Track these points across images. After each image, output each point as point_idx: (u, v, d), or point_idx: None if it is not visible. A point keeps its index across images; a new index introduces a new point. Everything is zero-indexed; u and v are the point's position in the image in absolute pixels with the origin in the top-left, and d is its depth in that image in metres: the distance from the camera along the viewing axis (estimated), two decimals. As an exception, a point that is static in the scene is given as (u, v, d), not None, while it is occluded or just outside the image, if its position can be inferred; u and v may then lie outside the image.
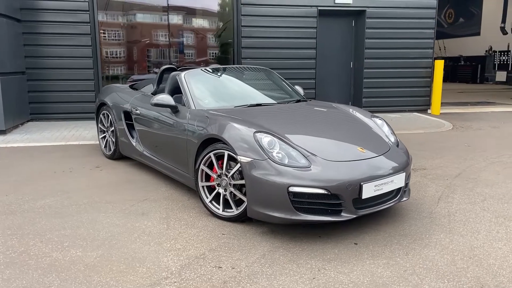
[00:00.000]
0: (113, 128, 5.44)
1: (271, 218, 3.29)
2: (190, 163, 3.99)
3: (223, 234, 3.41)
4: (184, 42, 9.43)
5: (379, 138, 3.92)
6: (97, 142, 6.57)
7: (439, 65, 9.68)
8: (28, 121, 8.35)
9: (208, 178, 3.80)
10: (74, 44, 8.32)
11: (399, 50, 9.70)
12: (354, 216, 3.27)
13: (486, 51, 22.69)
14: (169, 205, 4.00)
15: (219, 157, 3.67)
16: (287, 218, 3.21)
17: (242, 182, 3.45)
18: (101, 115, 5.73)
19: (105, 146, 5.74)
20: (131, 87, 5.66)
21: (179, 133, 4.15)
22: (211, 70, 4.79)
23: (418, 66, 9.94)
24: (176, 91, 5.13)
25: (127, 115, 5.20)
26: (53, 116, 8.49)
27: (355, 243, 3.27)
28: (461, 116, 9.85)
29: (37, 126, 8.02)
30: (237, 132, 3.50)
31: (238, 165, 3.45)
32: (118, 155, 5.49)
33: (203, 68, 4.78)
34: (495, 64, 22.40)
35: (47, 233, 3.38)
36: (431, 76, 10.02)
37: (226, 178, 3.60)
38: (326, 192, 3.17)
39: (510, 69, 21.52)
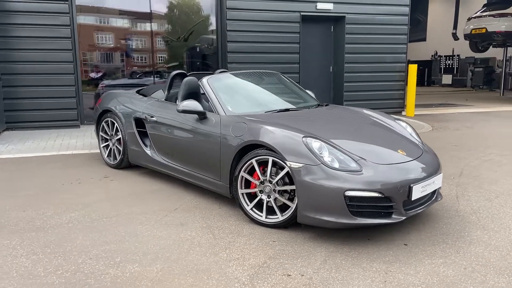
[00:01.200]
0: (119, 136, 5.23)
1: (325, 223, 3.30)
2: (224, 170, 3.92)
3: (273, 241, 3.38)
4: (167, 47, 9.24)
5: (410, 140, 4.05)
6: (92, 151, 6.30)
7: (413, 69, 10.12)
8: (4, 130, 7.82)
9: (247, 185, 3.75)
10: (54, 48, 7.91)
11: (376, 55, 10.04)
12: (404, 217, 3.35)
13: (432, 55, 23.99)
14: (204, 214, 3.91)
15: (260, 163, 3.63)
16: (343, 222, 3.24)
17: (290, 187, 3.44)
18: (103, 123, 5.48)
19: (109, 155, 5.50)
20: (138, 93, 5.47)
21: (209, 140, 4.07)
22: (231, 75, 4.73)
23: (393, 70, 10.33)
24: (190, 96, 5.04)
25: (139, 122, 5.02)
26: (31, 125, 8.01)
27: (404, 244, 3.36)
28: (434, 117, 10.32)
29: (16, 136, 7.54)
30: (284, 138, 3.49)
31: (285, 170, 3.44)
32: (125, 164, 5.29)
33: (223, 73, 4.70)
34: (441, 68, 23.75)
35: (91, 249, 3.20)
36: (404, 79, 10.46)
37: (269, 184, 3.58)
38: (380, 195, 3.23)
39: (455, 72, 22.88)
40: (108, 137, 5.51)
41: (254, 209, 3.71)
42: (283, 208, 3.58)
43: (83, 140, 7.13)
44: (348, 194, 3.19)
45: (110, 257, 3.07)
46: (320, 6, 9.38)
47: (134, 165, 5.28)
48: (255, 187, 3.69)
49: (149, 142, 4.92)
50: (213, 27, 9.29)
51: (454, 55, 22.82)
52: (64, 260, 3.03)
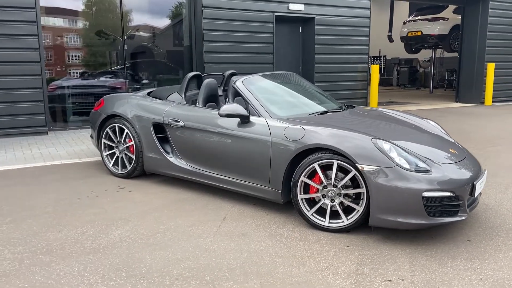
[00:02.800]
0: (131, 143, 4.85)
1: (400, 225, 3.33)
2: (275, 175, 3.80)
3: (347, 246, 3.34)
4: (129, 47, 8.75)
5: (448, 139, 4.21)
6: (83, 160, 5.80)
7: (376, 69, 10.58)
8: (-39, 139, 6.91)
9: (305, 190, 3.67)
10: (18, 47, 7.12)
11: (342, 55, 10.34)
12: (467, 214, 3.48)
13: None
14: (257, 222, 3.76)
15: (321, 167, 3.57)
16: (420, 223, 3.29)
17: (359, 190, 3.42)
18: (107, 129, 5.05)
19: (115, 164, 5.08)
20: (149, 95, 5.12)
21: (255, 144, 3.91)
22: (261, 77, 4.58)
23: (356, 70, 10.71)
24: (210, 99, 4.83)
25: (158, 127, 4.70)
26: (-8, 132, 7.17)
27: (468, 240, 3.49)
28: (395, 115, 10.85)
29: (-22, 145, 6.70)
30: (353, 141, 3.46)
31: (351, 174, 3.41)
32: (138, 173, 4.92)
33: (253, 75, 4.54)
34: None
35: (170, 269, 2.93)
36: (367, 79, 10.90)
37: (333, 188, 3.53)
38: (452, 194, 3.32)
39: (382, 72, 24.27)
40: (114, 145, 5.08)
41: (315, 214, 3.63)
42: (345, 212, 3.55)
43: (63, 148, 6.51)
44: (426, 195, 3.24)
45: (197, 276, 2.84)
46: (292, 7, 9.45)
47: (142, 173, 4.94)
48: (315, 192, 3.62)
49: (172, 149, 4.62)
50: (185, 26, 8.95)
51: (381, 56, 24.17)
52: (150, 283, 2.74)
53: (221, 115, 4.00)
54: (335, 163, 3.48)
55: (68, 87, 8.15)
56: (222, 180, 4.21)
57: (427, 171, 3.35)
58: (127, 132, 4.89)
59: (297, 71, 10.33)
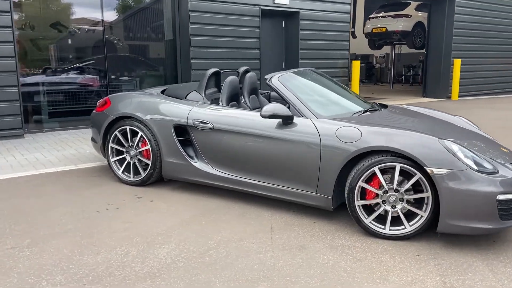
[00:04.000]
0: (147, 147, 4.39)
1: (472, 230, 3.17)
2: (325, 180, 3.54)
3: (417, 255, 3.14)
4: (105, 42, 8.12)
5: (490, 138, 4.13)
6: (80, 166, 5.24)
7: (357, 65, 10.56)
8: None
9: (362, 195, 3.43)
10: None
11: (324, 51, 10.21)
12: (526, 215, 3.39)
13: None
14: (311, 232, 3.48)
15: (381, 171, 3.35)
16: (491, 228, 3.15)
17: (424, 195, 3.24)
18: (116, 132, 4.54)
19: (126, 171, 4.60)
20: (163, 94, 4.66)
21: (301, 147, 3.62)
22: (293, 75, 4.26)
23: (337, 66, 10.63)
24: (233, 98, 4.49)
25: (179, 130, 4.28)
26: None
27: (528, 242, 3.41)
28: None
29: None
30: (418, 142, 3.25)
31: (415, 177, 3.22)
32: (154, 179, 4.47)
33: (285, 72, 4.22)
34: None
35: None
36: (347, 74, 10.86)
37: (395, 193, 3.32)
38: (519, 196, 3.21)
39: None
40: (124, 149, 4.58)
41: (373, 221, 3.41)
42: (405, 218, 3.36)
43: (50, 153, 5.86)
44: (500, 198, 3.11)
45: (283, 301, 2.52)
46: (278, 0, 9.17)
47: (156, 180, 4.51)
48: (373, 198, 3.40)
49: (196, 153, 4.22)
50: (167, 19, 8.43)
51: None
52: (234, 314, 2.39)
53: (263, 116, 3.66)
54: (398, 166, 3.27)
55: (43, 84, 7.40)
56: (260, 186, 3.89)
57: (494, 172, 3.22)
58: (141, 136, 4.41)
59: (280, 67, 10.09)
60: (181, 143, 4.28)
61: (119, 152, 4.66)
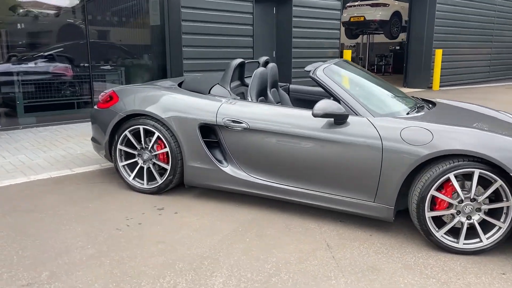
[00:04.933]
0: (165, 149, 3.80)
1: (561, 244, 2.84)
2: (386, 188, 3.12)
3: (502, 274, 2.78)
4: (97, 26, 7.31)
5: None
6: (76, 171, 4.56)
7: (348, 54, 10.21)
8: None
9: (431, 205, 3.03)
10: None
11: (316, 39, 9.78)
12: None
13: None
14: (371, 248, 3.05)
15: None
16: None
17: (505, 204, 2.88)
18: (127, 132, 3.92)
19: (139, 177, 3.99)
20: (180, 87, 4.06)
21: (357, 150, 3.16)
22: (337, 67, 3.77)
23: (328, 56, 10.24)
24: (262, 93, 3.98)
25: (203, 130, 3.72)
26: None
27: None
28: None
29: None
30: (502, 144, 2.87)
31: (495, 184, 2.86)
32: (173, 186, 3.90)
33: (328, 63, 3.72)
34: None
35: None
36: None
37: (471, 202, 2.94)
38: None
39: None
40: (135, 152, 3.97)
41: (444, 234, 3.02)
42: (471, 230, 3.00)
43: (35, 154, 5.11)
44: None
45: None
46: (271, -15, 8.63)
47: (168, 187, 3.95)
48: (446, 208, 3.00)
49: (225, 157, 3.68)
50: (153, 2, 7.68)
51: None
52: None
53: (316, 116, 3.17)
54: (477, 172, 2.88)
55: (17, 74, 6.53)
56: (307, 195, 3.40)
57: None
58: (157, 137, 3.81)
59: (271, 55, 9.57)
60: (205, 144, 3.73)
61: (129, 156, 4.05)
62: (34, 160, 4.88)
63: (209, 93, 3.87)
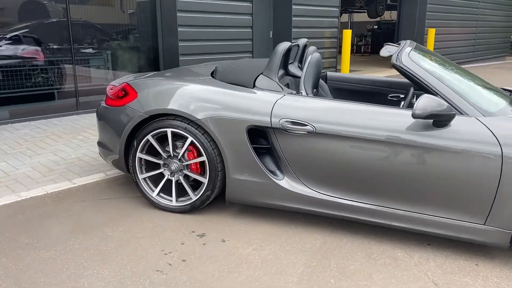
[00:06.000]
0: (202, 158, 3.00)
1: None
2: (504, 208, 2.47)
3: None
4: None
5: None
6: (76, 183, 3.68)
7: (348, 34, 9.54)
8: None
9: None
10: None
11: (316, 18, 9.02)
12: None
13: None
14: (486, 284, 2.40)
15: None
16: None
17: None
18: (149, 137, 3.08)
19: (164, 191, 3.18)
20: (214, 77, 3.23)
21: (467, 160, 2.49)
22: (417, 52, 3.03)
23: (327, 36, 9.52)
24: (315, 85, 3.26)
25: (255, 134, 2.94)
26: None
27: None
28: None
29: None
30: None
31: None
32: (208, 202, 3.12)
33: (404, 46, 2.98)
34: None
35: None
36: (337, 46, 9.82)
37: None
38: None
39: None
40: (160, 161, 3.14)
41: None
42: None
43: (19, 161, 4.16)
44: None
45: None
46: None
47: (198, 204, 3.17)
48: None
49: (281, 167, 2.92)
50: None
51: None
52: None
53: (417, 116, 2.46)
54: None
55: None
56: (392, 215, 2.71)
57: None
58: (192, 142, 3.00)
59: (267, 36, 8.74)
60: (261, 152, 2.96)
61: (151, 166, 3.22)
62: (20, 169, 3.95)
63: (254, 86, 3.07)
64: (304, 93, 3.05)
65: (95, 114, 6.37)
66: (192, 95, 3.02)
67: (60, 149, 4.51)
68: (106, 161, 3.51)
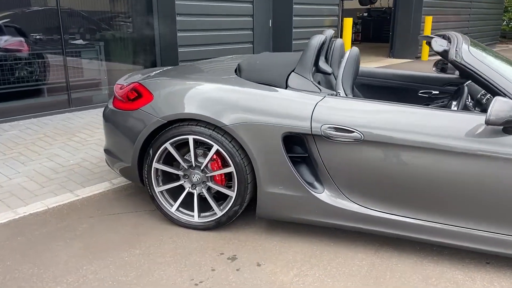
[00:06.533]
0: (229, 169, 2.63)
1: None
2: None
3: None
4: None
5: None
6: (79, 195, 3.28)
7: (349, 23, 9.18)
8: None
9: None
10: None
11: (316, 6, 8.63)
12: None
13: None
14: None
15: None
16: None
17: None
18: (167, 145, 2.69)
19: (185, 206, 2.81)
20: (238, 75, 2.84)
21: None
22: (473, 46, 2.69)
23: (325, 25, 9.13)
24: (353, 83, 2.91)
25: (289, 141, 2.58)
26: None
27: None
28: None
29: None
30: None
31: None
32: (233, 218, 2.77)
33: (466, 39, 2.63)
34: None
35: None
36: (337, 35, 9.47)
37: None
38: None
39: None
40: (180, 172, 2.76)
41: None
42: None
43: (17, 170, 3.72)
44: None
45: None
46: None
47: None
48: None
49: (320, 179, 2.57)
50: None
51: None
52: None
53: (492, 123, 2.13)
54: None
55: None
56: (454, 233, 2.39)
57: None
58: (217, 151, 2.63)
59: (266, 25, 8.31)
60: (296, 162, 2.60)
61: (169, 177, 2.84)
62: (13, 178, 3.52)
63: (287, 86, 2.70)
64: (342, 93, 2.70)
65: (88, 111, 5.99)
66: (217, 97, 2.63)
67: (56, 154, 4.08)
68: (113, 169, 3.12)
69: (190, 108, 2.64)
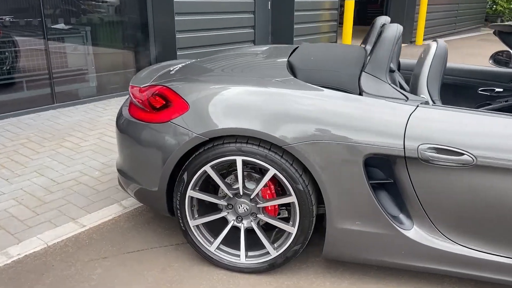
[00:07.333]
0: (289, 198, 2.04)
1: None
2: None
3: None
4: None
5: None
6: (92, 221, 2.63)
7: (351, 6, 8.59)
8: None
9: None
10: None
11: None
12: None
13: None
14: None
15: None
16: None
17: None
18: (207, 167, 2.07)
19: (228, 244, 2.21)
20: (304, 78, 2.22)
21: None
22: None
23: (324, 8, 8.53)
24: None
25: (367, 164, 2.02)
26: None
27: None
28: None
29: None
30: None
31: None
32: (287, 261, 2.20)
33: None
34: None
35: None
36: (337, 19, 8.88)
37: None
38: None
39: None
40: (222, 202, 2.16)
41: None
42: None
43: (9, 183, 3.03)
44: None
45: None
46: None
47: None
48: None
49: (410, 211, 2.01)
50: None
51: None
52: None
53: None
54: None
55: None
56: None
57: None
58: (274, 176, 2.03)
59: (264, 8, 7.63)
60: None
61: (204, 205, 2.23)
62: (8, 201, 2.82)
63: (360, 91, 2.11)
64: (431, 100, 2.13)
65: (75, 108, 5.21)
66: (275, 107, 2.02)
67: (46, 165, 3.38)
68: (127, 191, 2.49)
69: (240, 121, 2.01)
